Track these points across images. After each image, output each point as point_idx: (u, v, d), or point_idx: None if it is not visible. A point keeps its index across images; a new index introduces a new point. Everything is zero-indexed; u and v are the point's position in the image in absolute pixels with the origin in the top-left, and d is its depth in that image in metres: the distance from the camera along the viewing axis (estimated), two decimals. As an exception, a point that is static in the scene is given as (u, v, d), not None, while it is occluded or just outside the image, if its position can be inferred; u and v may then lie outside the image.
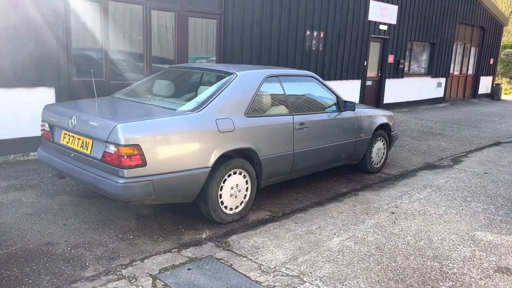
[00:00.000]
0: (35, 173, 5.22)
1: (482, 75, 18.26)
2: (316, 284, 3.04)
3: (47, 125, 4.10)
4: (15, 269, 3.06)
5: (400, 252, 3.60)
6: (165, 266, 3.21)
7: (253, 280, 3.06)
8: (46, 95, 5.95)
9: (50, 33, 5.83)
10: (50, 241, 3.50)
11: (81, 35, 6.33)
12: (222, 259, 3.35)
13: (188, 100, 4.06)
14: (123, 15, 6.74)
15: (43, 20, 5.73)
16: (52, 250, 3.36)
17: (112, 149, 3.31)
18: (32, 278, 2.96)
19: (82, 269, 3.10)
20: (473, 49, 17.33)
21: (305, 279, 3.11)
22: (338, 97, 5.22)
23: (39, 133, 5.94)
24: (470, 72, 17.64)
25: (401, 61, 13.00)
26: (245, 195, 4.14)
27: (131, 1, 6.73)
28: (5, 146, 5.71)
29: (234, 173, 3.99)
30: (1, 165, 5.50)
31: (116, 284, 2.93)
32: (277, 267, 3.26)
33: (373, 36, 11.79)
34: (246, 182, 4.12)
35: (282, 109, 4.47)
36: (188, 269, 3.17)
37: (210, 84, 4.25)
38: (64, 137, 3.87)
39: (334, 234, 3.91)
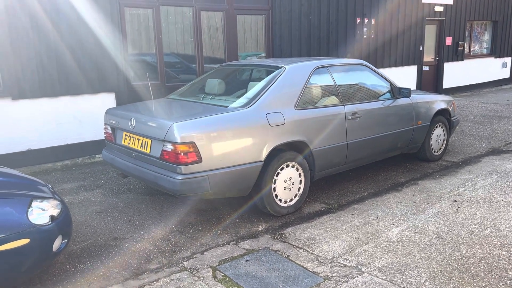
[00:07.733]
0: (101, 174, 5.57)
1: (553, 51, 16.82)
2: (375, 275, 3.00)
3: (109, 128, 4.36)
4: (88, 262, 3.30)
5: (464, 241, 3.45)
6: (224, 258, 3.31)
7: (311, 271, 3.08)
8: (107, 100, 6.32)
9: (109, 42, 6.18)
10: (117, 236, 3.73)
11: (136, 41, 6.63)
12: (279, 250, 3.40)
13: (239, 96, 4.13)
14: (174, 18, 6.97)
15: (102, 30, 6.08)
16: (120, 244, 3.58)
17: (169, 147, 3.47)
18: (103, 270, 3.18)
19: (147, 262, 3.28)
20: (542, 24, 16.00)
21: (363, 269, 3.08)
22: (392, 84, 5.07)
23: (102, 136, 6.32)
24: (539, 49, 16.31)
25: (460, 43, 12.31)
26: (299, 187, 4.15)
27: (180, 4, 6.95)
28: (73, 150, 6.15)
29: (287, 166, 4.01)
30: (71, 168, 5.92)
31: (179, 276, 3.07)
32: (334, 258, 3.25)
33: (428, 18, 11.25)
34: (299, 175, 4.13)
35: (333, 99, 4.43)
36: (246, 260, 3.25)
37: (260, 79, 4.30)
38: (125, 138, 4.09)
39: (393, 224, 3.82)
